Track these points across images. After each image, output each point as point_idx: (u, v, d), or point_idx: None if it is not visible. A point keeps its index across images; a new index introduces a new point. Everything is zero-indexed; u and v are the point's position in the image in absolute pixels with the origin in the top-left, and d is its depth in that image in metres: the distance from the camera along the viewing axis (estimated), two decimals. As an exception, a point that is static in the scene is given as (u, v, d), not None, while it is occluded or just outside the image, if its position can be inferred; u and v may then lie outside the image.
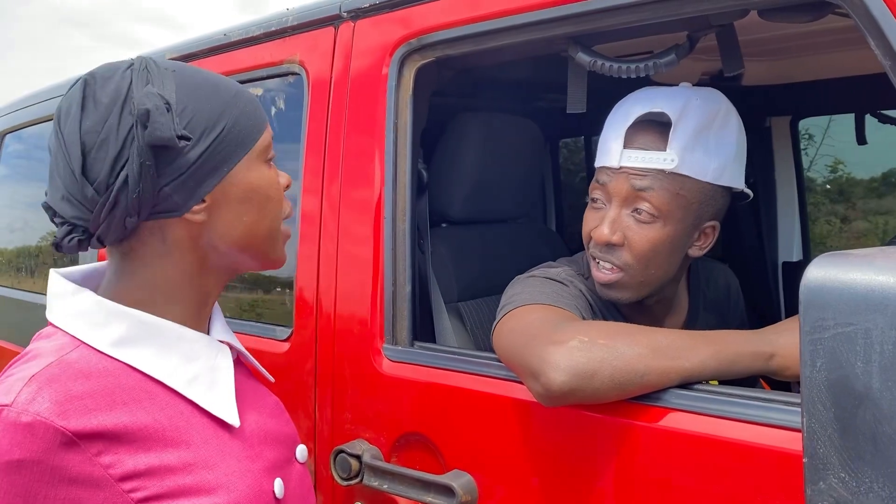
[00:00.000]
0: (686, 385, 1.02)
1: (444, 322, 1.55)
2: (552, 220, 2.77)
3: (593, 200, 1.25)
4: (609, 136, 1.22)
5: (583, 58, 1.21)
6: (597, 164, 1.25)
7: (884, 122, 2.23)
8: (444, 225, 1.71)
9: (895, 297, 0.59)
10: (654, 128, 1.19)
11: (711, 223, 1.25)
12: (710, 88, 1.25)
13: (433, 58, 1.34)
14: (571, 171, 3.25)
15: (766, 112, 2.43)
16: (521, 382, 1.13)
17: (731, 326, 1.52)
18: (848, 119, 2.57)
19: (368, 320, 1.37)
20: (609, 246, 1.21)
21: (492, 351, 1.21)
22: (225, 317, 0.98)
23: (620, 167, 1.19)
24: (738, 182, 1.24)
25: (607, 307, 1.31)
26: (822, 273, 0.63)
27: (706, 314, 1.46)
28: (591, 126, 2.75)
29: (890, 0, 0.86)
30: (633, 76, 1.19)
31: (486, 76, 1.76)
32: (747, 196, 1.27)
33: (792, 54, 1.93)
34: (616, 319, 1.31)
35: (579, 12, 1.15)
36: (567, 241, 2.71)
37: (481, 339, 1.61)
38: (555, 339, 1.03)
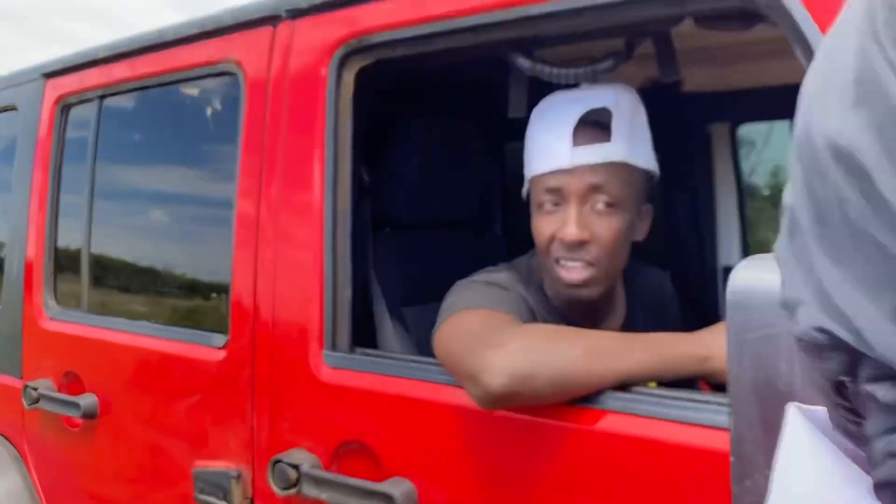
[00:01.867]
0: (623, 387, 1.02)
1: (387, 327, 1.53)
2: (498, 225, 2.78)
3: (541, 206, 1.23)
4: (549, 139, 1.22)
5: (524, 63, 1.22)
6: (537, 170, 1.23)
7: (819, 129, 2.29)
8: (387, 229, 1.70)
9: (818, 299, 0.61)
10: (593, 123, 1.20)
11: (646, 206, 1.30)
12: (619, 83, 1.27)
13: (374, 59, 1.33)
14: (517, 175, 3.26)
15: (707, 118, 2.48)
16: (460, 387, 1.12)
17: (666, 328, 1.53)
18: (786, 125, 2.64)
19: (308, 326, 1.34)
20: (578, 244, 1.20)
21: (434, 356, 1.21)
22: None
23: (574, 166, 1.19)
24: (656, 166, 1.29)
25: (548, 310, 1.32)
26: (747, 276, 0.63)
27: (644, 316, 1.47)
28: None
29: (814, 10, 0.88)
30: (573, 82, 1.20)
31: (429, 79, 1.75)
32: (656, 177, 1.32)
33: (731, 62, 1.97)
34: (556, 321, 1.31)
35: (520, 17, 1.14)
36: (512, 246, 2.72)
37: (425, 344, 1.59)
38: (494, 342, 1.02)
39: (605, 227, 1.20)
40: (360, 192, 1.53)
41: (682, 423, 0.94)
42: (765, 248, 2.96)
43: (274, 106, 1.43)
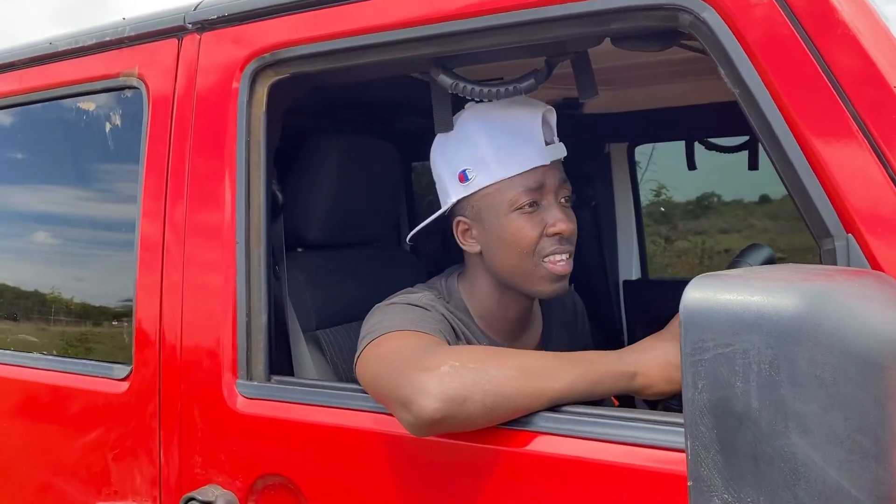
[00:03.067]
0: (554, 408, 1.01)
1: (303, 352, 1.47)
2: (405, 244, 2.75)
3: (520, 208, 1.22)
4: (515, 142, 1.22)
5: (444, 80, 1.20)
6: (513, 172, 1.21)
7: (710, 149, 2.38)
8: (299, 249, 1.64)
9: (769, 317, 0.61)
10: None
11: None
12: None
13: (288, 74, 1.28)
14: (423, 193, 3.26)
15: (606, 139, 2.54)
16: (385, 413, 1.09)
17: (580, 344, 1.56)
18: (668, 146, 2.75)
19: (220, 354, 1.27)
20: (568, 237, 1.23)
21: (354, 381, 1.16)
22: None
23: (551, 162, 1.22)
24: None
25: (470, 329, 1.31)
26: (700, 294, 0.63)
27: (559, 332, 1.49)
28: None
29: (738, 31, 0.90)
30: (495, 99, 1.19)
31: (342, 95, 1.71)
32: None
33: (630, 84, 2.02)
34: (479, 339, 1.31)
35: (440, 34, 1.13)
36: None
37: (342, 368, 1.54)
38: (425, 365, 0.99)
39: (573, 217, 1.26)
40: (274, 211, 1.47)
41: (616, 442, 0.94)
42: (651, 261, 3.07)
43: (180, 122, 1.36)
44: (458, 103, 1.29)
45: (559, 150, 1.25)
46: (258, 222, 1.28)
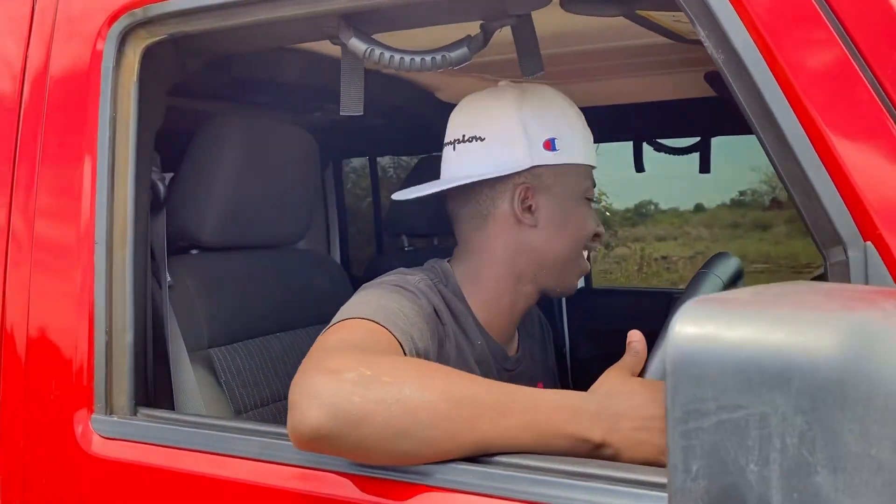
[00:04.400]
0: (479, 457, 0.79)
1: (187, 377, 1.22)
2: (336, 248, 2.51)
3: (588, 199, 1.22)
4: (589, 134, 1.21)
5: (356, 45, 0.97)
6: (590, 161, 1.21)
7: (659, 151, 2.24)
8: (193, 252, 1.39)
9: (800, 366, 0.40)
10: None
11: None
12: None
13: (166, 35, 1.03)
14: (358, 194, 3.04)
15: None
16: (294, 466, 0.86)
17: (548, 364, 1.40)
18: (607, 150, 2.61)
19: (72, 380, 1.02)
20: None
21: (253, 409, 0.93)
22: None
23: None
24: None
25: (464, 321, 1.14)
26: (694, 330, 0.42)
27: (532, 345, 1.34)
28: (377, 145, 2.53)
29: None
30: (419, 70, 0.97)
31: (251, 75, 1.47)
32: None
33: (570, 79, 1.83)
34: (473, 337, 1.14)
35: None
36: (353, 269, 2.47)
37: (240, 394, 1.29)
38: (328, 366, 0.79)
39: None
40: (154, 204, 1.22)
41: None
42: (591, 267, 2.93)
43: (32, 92, 1.10)
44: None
45: None
46: (123, 217, 1.03)
